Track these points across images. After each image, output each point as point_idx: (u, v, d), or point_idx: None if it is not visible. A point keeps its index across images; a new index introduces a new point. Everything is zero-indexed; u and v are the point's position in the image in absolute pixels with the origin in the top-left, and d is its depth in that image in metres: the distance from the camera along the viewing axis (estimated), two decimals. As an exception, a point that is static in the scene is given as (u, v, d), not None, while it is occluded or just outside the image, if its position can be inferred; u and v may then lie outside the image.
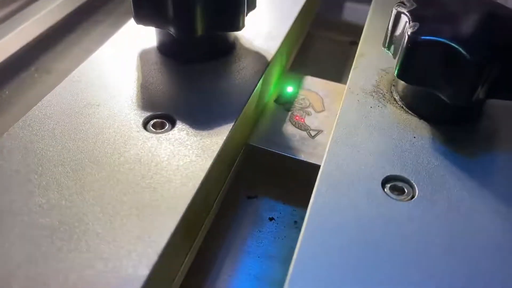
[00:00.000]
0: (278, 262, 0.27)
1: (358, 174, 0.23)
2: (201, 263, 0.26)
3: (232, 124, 0.26)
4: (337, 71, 0.39)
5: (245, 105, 0.27)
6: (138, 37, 0.32)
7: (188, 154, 0.24)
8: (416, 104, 0.27)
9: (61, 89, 0.27)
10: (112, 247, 0.19)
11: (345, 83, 0.36)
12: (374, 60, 0.31)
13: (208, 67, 0.30)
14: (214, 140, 0.25)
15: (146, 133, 0.25)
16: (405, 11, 0.25)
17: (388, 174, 0.24)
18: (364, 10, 0.41)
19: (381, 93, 0.29)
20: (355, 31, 0.44)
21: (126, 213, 0.21)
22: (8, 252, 0.19)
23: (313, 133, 0.30)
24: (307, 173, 0.28)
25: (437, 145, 0.26)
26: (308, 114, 0.31)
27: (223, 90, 0.28)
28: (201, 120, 0.26)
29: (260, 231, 0.28)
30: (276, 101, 0.32)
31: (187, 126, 0.25)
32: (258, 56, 0.31)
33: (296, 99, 0.32)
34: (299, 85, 0.34)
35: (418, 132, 0.26)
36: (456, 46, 0.23)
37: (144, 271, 0.19)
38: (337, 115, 0.27)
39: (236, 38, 0.32)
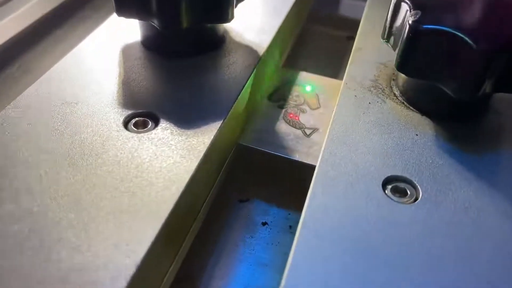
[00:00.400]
0: (271, 270, 0.25)
1: (356, 175, 0.22)
2: (190, 271, 0.24)
3: (221, 122, 0.24)
4: (333, 67, 0.38)
5: (234, 102, 0.25)
6: (122, 31, 0.30)
7: (172, 155, 0.22)
8: (418, 99, 0.26)
9: (37, 86, 0.25)
10: (87, 258, 0.18)
11: (341, 79, 0.35)
12: (372, 53, 0.29)
13: (195, 61, 0.28)
14: (201, 139, 0.23)
15: (126, 132, 0.23)
16: (405, -1, 0.23)
17: (389, 174, 0.22)
18: (361, 4, 0.39)
19: (380, 88, 0.27)
20: (352, 26, 0.42)
21: (103, 220, 0.19)
22: (-31, 265, 0.17)
23: (308, 132, 0.28)
24: (302, 174, 0.26)
25: (441, 142, 0.24)
26: (303, 111, 0.29)
27: (211, 86, 0.26)
28: (186, 118, 0.24)
29: (252, 237, 0.26)
30: (269, 98, 0.30)
31: (171, 125, 0.23)
32: (249, 50, 0.29)
33: (290, 96, 0.30)
34: (293, 81, 0.32)
35: (421, 129, 0.24)
36: (461, 35, 0.21)
37: (121, 284, 0.17)
38: (333, 112, 0.25)
39: (225, 31, 0.30)
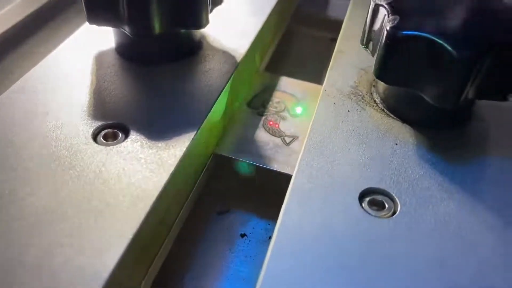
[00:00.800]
0: (249, 284, 0.24)
1: (332, 188, 0.21)
2: (164, 288, 0.23)
3: (194, 133, 0.23)
4: (316, 70, 0.37)
5: (209, 111, 0.24)
6: (96, 38, 0.29)
7: (141, 170, 0.21)
8: (399, 107, 0.25)
9: (3, 99, 0.24)
10: (47, 283, 0.17)
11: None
12: (353, 58, 0.29)
13: (169, 69, 0.27)
14: (172, 152, 0.22)
15: (95, 145, 0.22)
16: (383, 3, 0.23)
17: (366, 186, 0.21)
18: (347, 4, 0.38)
19: (360, 95, 0.26)
20: (338, 27, 0.41)
21: (67, 242, 0.18)
22: None
23: (288, 140, 0.27)
24: (281, 184, 0.26)
25: (422, 152, 0.23)
26: (283, 118, 0.29)
27: (185, 94, 0.25)
28: (158, 129, 0.23)
29: (230, 250, 0.25)
30: (248, 104, 0.30)
31: (142, 137, 0.23)
32: (227, 56, 0.28)
33: (270, 103, 0.30)
34: (274, 87, 0.31)
35: (401, 137, 0.24)
36: (441, 42, 0.20)
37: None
38: (311, 121, 0.24)
39: (202, 37, 0.29)
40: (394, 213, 0.20)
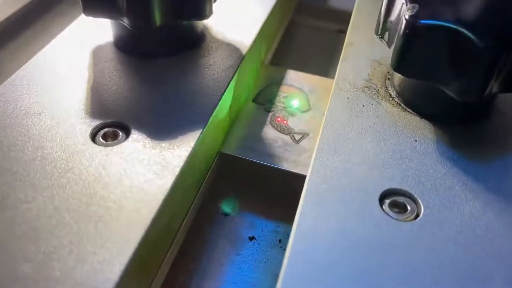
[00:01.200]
0: (259, 291, 0.23)
1: (350, 189, 0.19)
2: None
3: (200, 131, 0.22)
4: (323, 63, 0.35)
5: (215, 107, 0.23)
6: (93, 31, 0.28)
7: (144, 172, 0.19)
8: (416, 101, 0.23)
9: (-4, 95, 0.23)
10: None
11: (333, 77, 0.32)
12: (365, 49, 0.27)
13: (171, 62, 0.25)
14: (177, 152, 0.20)
15: (94, 146, 0.21)
16: (400, -10, 0.21)
17: (387, 187, 0.20)
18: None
19: (375, 89, 0.24)
20: (344, 19, 0.40)
21: (64, 252, 0.17)
22: None
23: (297, 137, 0.26)
24: (292, 184, 0.24)
25: (443, 148, 0.22)
26: (292, 114, 0.27)
27: (189, 90, 0.24)
28: (161, 128, 0.22)
29: (239, 254, 0.24)
30: (254, 100, 0.28)
31: (144, 136, 0.21)
32: (231, 48, 0.27)
33: (277, 98, 0.28)
34: (280, 81, 0.29)
35: (420, 134, 0.22)
36: (464, 31, 0.19)
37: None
38: (324, 117, 0.23)
39: (205, 28, 0.28)
40: (417, 215, 0.19)
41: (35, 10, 0.40)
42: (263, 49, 0.30)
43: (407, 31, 0.20)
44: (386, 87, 0.25)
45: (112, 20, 0.26)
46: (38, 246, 0.17)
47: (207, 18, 0.24)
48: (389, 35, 0.22)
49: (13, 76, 0.24)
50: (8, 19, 0.38)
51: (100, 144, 0.21)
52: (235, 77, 0.25)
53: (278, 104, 0.28)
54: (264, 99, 0.28)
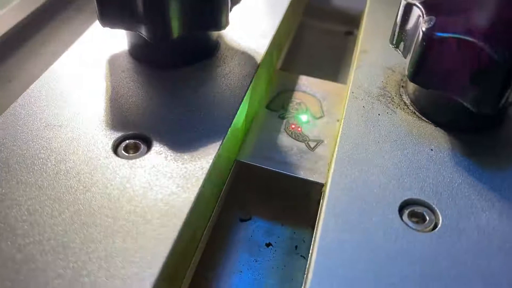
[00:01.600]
0: (278, 297, 0.23)
1: (370, 199, 0.20)
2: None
3: (220, 142, 0.22)
4: (333, 67, 0.36)
5: (233, 118, 0.23)
6: (107, 39, 0.28)
7: (168, 185, 0.20)
8: (431, 109, 0.24)
9: (16, 108, 0.23)
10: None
11: (342, 80, 0.33)
12: (378, 56, 0.27)
13: (188, 72, 0.26)
14: (199, 164, 0.21)
15: (116, 159, 0.21)
16: (416, 2, 0.21)
17: (406, 198, 0.20)
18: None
19: (389, 97, 0.25)
20: (351, 20, 0.40)
21: (94, 267, 0.17)
22: None
23: (312, 144, 0.26)
24: (308, 191, 0.25)
25: (458, 157, 0.22)
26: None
27: (207, 100, 0.24)
28: (181, 139, 0.22)
29: (256, 261, 0.24)
30: (268, 106, 0.28)
31: (166, 148, 0.21)
32: (246, 56, 0.27)
33: (290, 104, 0.28)
34: (293, 87, 0.30)
35: (435, 142, 0.23)
36: (481, 44, 0.19)
37: None
38: (341, 126, 0.23)
39: (219, 36, 0.28)
40: (435, 226, 0.19)
41: (42, 16, 0.40)
42: (275, 55, 0.30)
43: (424, 43, 0.20)
44: (400, 95, 0.25)
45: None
46: (68, 261, 0.17)
47: (224, 29, 0.24)
48: (404, 45, 0.22)
49: (32, 87, 0.24)
50: (16, 26, 0.38)
51: (122, 157, 0.21)
52: (251, 86, 0.25)
53: (291, 110, 0.28)
54: (278, 105, 0.28)
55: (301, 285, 0.20)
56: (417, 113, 0.24)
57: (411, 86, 0.24)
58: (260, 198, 0.27)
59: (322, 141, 0.26)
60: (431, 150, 0.22)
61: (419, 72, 0.21)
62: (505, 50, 0.19)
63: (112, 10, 0.23)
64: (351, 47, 0.37)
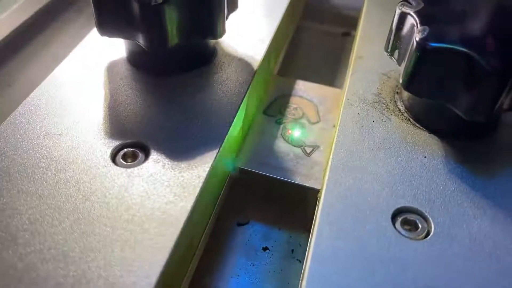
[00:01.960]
0: (275, 302, 0.24)
1: (364, 207, 0.20)
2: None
3: (217, 150, 0.22)
4: (330, 68, 0.36)
5: (230, 125, 0.24)
6: (106, 46, 0.28)
7: (165, 193, 0.20)
8: (424, 116, 0.24)
9: (16, 116, 0.24)
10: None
11: (340, 84, 0.33)
12: (373, 62, 0.28)
13: (185, 79, 0.26)
14: (196, 173, 0.21)
15: (115, 167, 0.21)
16: (411, 11, 0.22)
17: (398, 206, 0.20)
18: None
19: (384, 103, 0.25)
20: (348, 21, 0.40)
21: (94, 276, 0.17)
22: None
23: (308, 150, 0.26)
24: (304, 197, 0.25)
25: (451, 165, 0.22)
26: (302, 126, 0.28)
27: (204, 108, 0.24)
28: (179, 147, 0.22)
29: (253, 264, 0.25)
30: (265, 112, 0.29)
31: (163, 157, 0.22)
32: (243, 63, 0.27)
33: (287, 109, 0.29)
34: (290, 92, 0.30)
35: (429, 149, 0.23)
36: (473, 55, 0.20)
37: None
38: (336, 133, 0.23)
39: (216, 42, 0.28)
40: (427, 233, 0.20)
41: (43, 18, 0.41)
42: (272, 61, 0.31)
43: (418, 53, 0.21)
44: (395, 101, 0.25)
45: (126, 39, 0.26)
46: (68, 270, 0.18)
47: (221, 37, 0.24)
48: (399, 53, 0.23)
49: (32, 95, 0.25)
50: (16, 29, 0.38)
51: (121, 165, 0.21)
52: (248, 93, 0.26)
53: (288, 116, 0.28)
54: (275, 111, 0.29)
55: (297, 290, 0.21)
56: (411, 119, 0.24)
57: (406, 92, 0.25)
58: (258, 202, 0.27)
59: (318, 147, 0.26)
60: (425, 157, 0.22)
61: (413, 81, 0.21)
62: (497, 59, 0.19)
63: (110, 20, 0.23)
64: (349, 48, 0.37)
